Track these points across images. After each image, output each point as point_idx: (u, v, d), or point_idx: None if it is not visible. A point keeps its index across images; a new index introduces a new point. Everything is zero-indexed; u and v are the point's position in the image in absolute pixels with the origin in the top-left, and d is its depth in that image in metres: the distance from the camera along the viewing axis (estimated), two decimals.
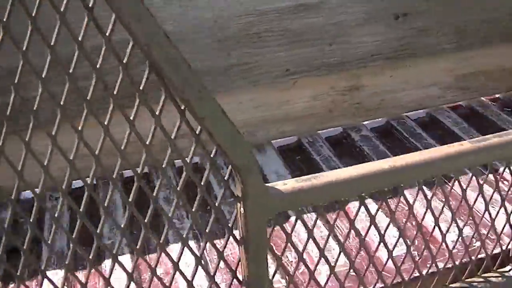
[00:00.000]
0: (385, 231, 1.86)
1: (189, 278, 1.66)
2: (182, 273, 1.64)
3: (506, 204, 2.02)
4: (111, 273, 1.60)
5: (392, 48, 3.03)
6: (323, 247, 1.77)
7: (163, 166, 1.49)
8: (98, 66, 1.31)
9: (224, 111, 1.46)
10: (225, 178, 1.57)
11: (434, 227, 1.96)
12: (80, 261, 2.24)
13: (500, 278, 2.14)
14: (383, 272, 1.97)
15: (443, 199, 1.93)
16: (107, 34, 1.29)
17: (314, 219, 1.75)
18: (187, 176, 1.52)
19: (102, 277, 1.60)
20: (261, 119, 2.99)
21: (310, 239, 1.75)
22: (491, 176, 1.97)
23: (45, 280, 1.51)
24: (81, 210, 1.46)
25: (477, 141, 1.85)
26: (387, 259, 1.93)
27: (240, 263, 1.68)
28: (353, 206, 2.37)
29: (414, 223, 1.97)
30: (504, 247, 2.15)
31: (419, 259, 2.04)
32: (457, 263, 2.07)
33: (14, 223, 1.44)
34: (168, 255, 1.60)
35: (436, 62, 3.16)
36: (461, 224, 2.02)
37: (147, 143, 1.43)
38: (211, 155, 1.52)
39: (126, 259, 2.23)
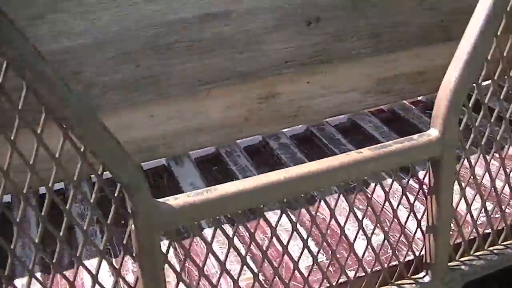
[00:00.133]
0: (288, 242, 1.83)
1: None
2: None
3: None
4: None
5: (306, 54, 2.98)
6: (223, 260, 1.76)
7: (75, 179, 1.49)
8: None
9: (107, 128, 1.44)
10: (115, 194, 1.55)
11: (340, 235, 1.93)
12: None
13: (414, 285, 2.11)
14: (291, 283, 1.93)
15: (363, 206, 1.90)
16: None
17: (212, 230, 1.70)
18: (98, 191, 1.52)
19: None
20: (176, 131, 2.92)
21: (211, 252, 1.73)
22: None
23: None
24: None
25: (377, 148, 1.82)
26: (293, 271, 1.89)
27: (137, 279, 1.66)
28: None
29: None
30: (417, 253, 2.12)
31: (328, 267, 2.02)
32: (369, 271, 2.04)
33: None
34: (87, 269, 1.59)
35: (353, 67, 3.12)
36: (370, 231, 1.99)
37: (31, 162, 1.39)
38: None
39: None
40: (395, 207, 1.97)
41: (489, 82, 2.01)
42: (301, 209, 1.84)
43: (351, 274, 2.03)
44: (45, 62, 1.31)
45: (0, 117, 1.32)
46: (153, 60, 2.74)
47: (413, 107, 3.35)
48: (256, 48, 2.88)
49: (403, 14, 3.13)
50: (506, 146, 2.14)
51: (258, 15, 2.83)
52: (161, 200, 1.61)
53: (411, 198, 2.00)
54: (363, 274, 2.03)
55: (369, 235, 1.97)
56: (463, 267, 2.17)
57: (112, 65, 2.68)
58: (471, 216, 2.15)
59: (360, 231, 1.93)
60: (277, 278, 1.86)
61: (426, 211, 2.02)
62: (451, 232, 2.13)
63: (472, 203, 2.13)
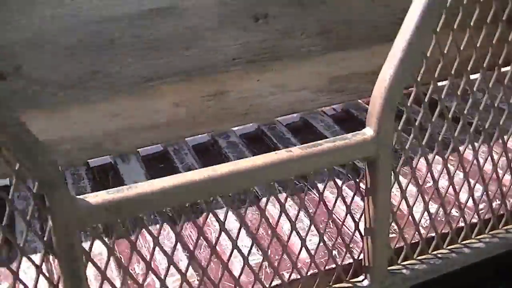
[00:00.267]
0: (237, 237, 1.79)
1: None
2: None
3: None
4: None
5: (254, 51, 2.92)
6: (149, 259, 1.70)
7: None
8: None
9: (24, 124, 1.40)
10: (34, 191, 1.50)
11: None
12: None
13: None
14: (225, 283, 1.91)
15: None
16: None
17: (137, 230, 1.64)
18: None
19: None
20: (124, 128, 2.86)
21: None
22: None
23: None
24: None
25: (307, 147, 1.76)
26: (222, 272, 1.84)
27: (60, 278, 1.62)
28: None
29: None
30: (356, 257, 2.06)
31: (259, 268, 1.94)
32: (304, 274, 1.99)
33: None
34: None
35: (304, 65, 3.06)
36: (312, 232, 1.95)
37: None
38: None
39: None
40: (330, 208, 1.91)
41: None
42: (228, 209, 1.76)
43: (293, 276, 1.98)
44: None
45: None
46: (96, 56, 2.67)
47: (368, 106, 3.28)
48: (202, 44, 2.82)
49: (355, 12, 3.07)
50: (450, 147, 2.08)
51: (204, 11, 2.76)
52: (80, 197, 1.56)
53: (349, 199, 1.94)
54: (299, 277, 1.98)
55: (304, 237, 1.91)
56: (404, 271, 2.12)
57: (55, 61, 2.61)
58: (413, 218, 2.09)
59: (300, 232, 1.88)
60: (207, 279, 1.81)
61: (363, 213, 1.96)
62: (394, 235, 2.08)
63: (414, 205, 2.07)
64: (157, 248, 1.68)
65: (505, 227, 2.32)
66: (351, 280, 2.07)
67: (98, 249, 2.02)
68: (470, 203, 2.20)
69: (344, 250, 2.03)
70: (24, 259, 1.53)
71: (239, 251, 1.80)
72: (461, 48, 1.93)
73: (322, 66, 3.11)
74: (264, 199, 2.34)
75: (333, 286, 2.05)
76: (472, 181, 2.15)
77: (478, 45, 1.98)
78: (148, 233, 1.69)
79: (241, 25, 2.85)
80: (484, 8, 1.92)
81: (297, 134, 3.03)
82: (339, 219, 2.13)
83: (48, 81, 2.62)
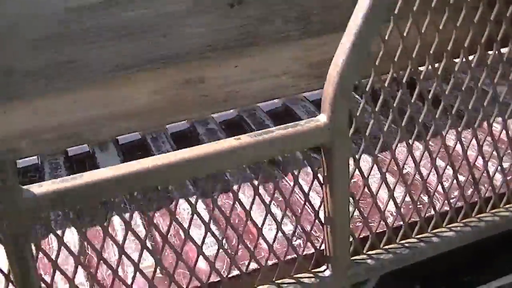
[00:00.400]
0: (189, 227, 1.78)
1: None
2: None
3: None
4: None
5: (231, 37, 2.89)
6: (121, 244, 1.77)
7: None
8: None
9: None
10: None
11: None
12: None
13: (313, 279, 2.02)
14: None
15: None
16: None
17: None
18: None
19: None
20: (101, 117, 2.85)
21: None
22: None
23: None
24: None
25: (257, 135, 1.73)
26: (197, 257, 1.84)
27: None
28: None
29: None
30: (318, 246, 2.03)
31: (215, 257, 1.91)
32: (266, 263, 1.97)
33: None
34: None
35: (282, 51, 3.02)
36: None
37: None
38: None
39: None
40: (287, 196, 1.88)
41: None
42: (179, 198, 1.74)
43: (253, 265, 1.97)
44: None
45: None
46: (71, 45, 2.66)
47: None
48: (178, 31, 2.79)
49: None
50: (414, 134, 2.03)
51: None
52: (25, 187, 1.54)
53: (306, 188, 1.91)
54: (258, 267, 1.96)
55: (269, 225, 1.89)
56: (369, 261, 2.07)
57: (30, 51, 2.61)
58: (378, 207, 2.05)
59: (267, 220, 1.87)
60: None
61: (322, 202, 1.93)
62: (359, 224, 2.05)
63: (377, 193, 2.03)
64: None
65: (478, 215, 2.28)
66: (313, 271, 2.03)
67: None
68: (440, 189, 2.15)
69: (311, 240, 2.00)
70: None
71: (192, 239, 1.78)
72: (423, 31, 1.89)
73: (301, 51, 3.07)
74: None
75: (294, 276, 2.02)
76: (443, 166, 2.11)
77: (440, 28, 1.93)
78: (122, 220, 1.69)
79: (216, 11, 2.82)
80: None
81: (276, 120, 2.98)
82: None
83: (26, 71, 2.62)
